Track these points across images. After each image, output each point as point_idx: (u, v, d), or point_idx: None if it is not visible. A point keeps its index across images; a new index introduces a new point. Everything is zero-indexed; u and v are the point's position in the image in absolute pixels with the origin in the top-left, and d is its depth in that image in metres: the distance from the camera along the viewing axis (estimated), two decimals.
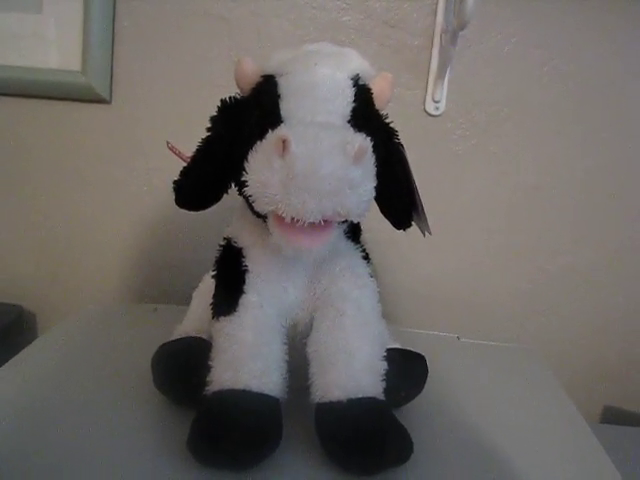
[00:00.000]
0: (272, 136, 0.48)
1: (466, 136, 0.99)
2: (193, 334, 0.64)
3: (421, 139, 0.99)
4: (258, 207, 0.49)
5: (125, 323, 0.86)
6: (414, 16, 0.95)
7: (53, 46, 0.95)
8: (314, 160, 0.45)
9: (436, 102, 0.97)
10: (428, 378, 0.64)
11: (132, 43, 0.98)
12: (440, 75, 0.95)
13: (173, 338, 0.65)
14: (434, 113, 0.98)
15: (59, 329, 0.81)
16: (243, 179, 0.50)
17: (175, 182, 0.57)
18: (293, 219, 0.47)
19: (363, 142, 0.47)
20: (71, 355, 0.72)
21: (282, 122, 0.50)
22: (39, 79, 0.96)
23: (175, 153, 0.62)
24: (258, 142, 0.49)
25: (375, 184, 0.50)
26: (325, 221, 0.48)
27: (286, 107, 0.51)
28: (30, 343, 0.74)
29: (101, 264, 1.06)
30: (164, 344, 0.63)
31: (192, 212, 0.58)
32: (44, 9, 0.94)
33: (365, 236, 0.61)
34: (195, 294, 0.71)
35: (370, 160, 0.50)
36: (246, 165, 0.50)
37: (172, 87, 0.99)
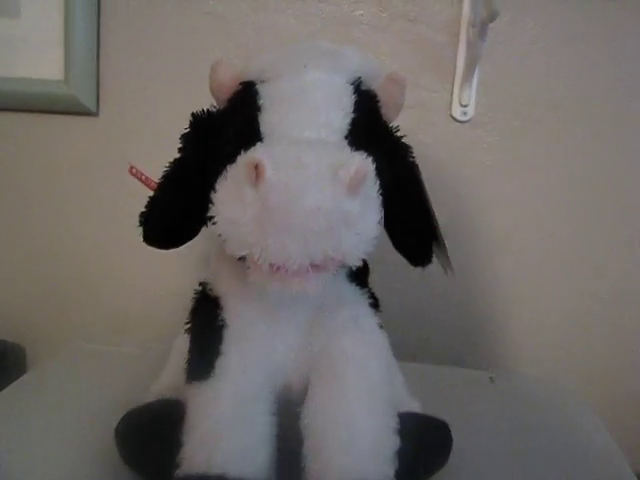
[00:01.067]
0: (243, 159, 0.39)
1: (498, 144, 0.91)
2: (169, 395, 0.54)
3: (447, 148, 0.91)
4: (229, 250, 0.41)
5: (114, 362, 0.80)
6: (437, 7, 0.88)
7: (32, 53, 0.89)
8: (296, 190, 0.37)
9: (464, 106, 0.89)
10: (454, 439, 0.54)
11: (120, 48, 0.92)
12: (468, 75, 0.87)
13: (147, 400, 0.55)
14: (461, 119, 0.90)
15: (40, 370, 0.78)
16: (210, 214, 0.41)
17: (141, 214, 0.50)
18: (272, 266, 0.39)
19: (361, 165, 0.38)
20: (47, 402, 0.67)
21: (261, 139, 0.43)
22: (16, 90, 0.90)
23: (140, 180, 0.52)
24: (229, 166, 0.41)
25: (379, 218, 0.42)
26: (315, 265, 0.39)
27: (268, 120, 0.44)
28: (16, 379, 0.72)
29: (92, 292, 0.99)
30: (131, 411, 0.53)
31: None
32: (22, 12, 0.89)
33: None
34: (176, 342, 0.60)
35: (372, 187, 0.41)
36: (213, 196, 0.41)
37: (166, 96, 0.92)
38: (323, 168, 0.38)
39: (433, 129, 0.89)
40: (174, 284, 0.96)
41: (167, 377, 0.58)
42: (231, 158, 0.41)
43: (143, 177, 0.53)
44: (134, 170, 0.53)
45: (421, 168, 0.51)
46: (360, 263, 0.41)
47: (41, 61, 0.89)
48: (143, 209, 0.50)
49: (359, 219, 0.39)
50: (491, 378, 0.83)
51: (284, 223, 0.37)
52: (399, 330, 0.91)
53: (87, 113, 0.92)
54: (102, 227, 0.97)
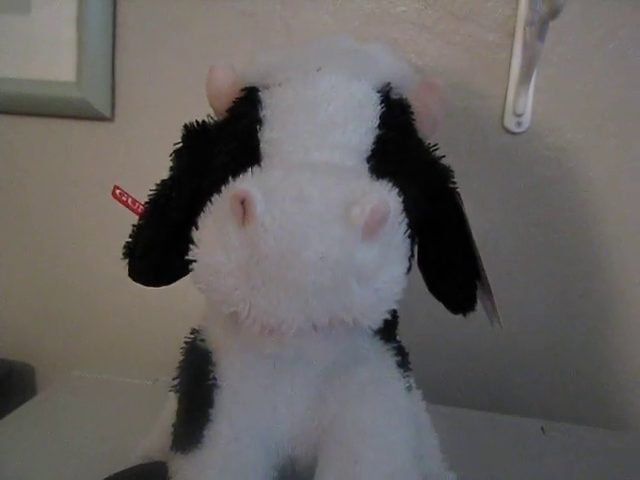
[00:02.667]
0: (228, 190, 0.33)
1: (558, 159, 0.82)
2: (158, 456, 0.48)
3: (499, 164, 0.83)
4: (212, 304, 0.34)
5: (116, 396, 0.76)
6: (489, 4, 0.80)
7: (42, 52, 0.85)
8: (294, 233, 0.31)
9: (518, 116, 0.82)
10: None
11: (138, 48, 0.88)
12: (524, 80, 0.80)
13: (132, 462, 0.49)
14: (516, 130, 0.83)
15: (47, 397, 0.75)
16: (188, 257, 0.34)
17: (126, 245, 0.43)
18: (265, 327, 0.32)
19: (380, 201, 0.30)
20: (51, 431, 0.65)
21: (260, 161, 0.35)
22: (25, 92, 0.87)
23: (126, 204, 0.44)
24: (215, 197, 0.34)
25: (405, 268, 0.34)
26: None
27: (269, 137, 0.37)
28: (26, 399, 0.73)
29: (105, 310, 0.96)
30: (111, 477, 0.47)
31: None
32: (32, 9, 0.85)
33: None
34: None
35: (396, 229, 0.33)
36: (193, 235, 0.34)
37: (186, 101, 0.82)
38: (332, 204, 0.30)
39: (482, 142, 0.82)
40: (188, 310, 0.89)
41: (158, 435, 0.51)
42: (220, 185, 0.34)
43: (129, 200, 0.45)
44: (118, 192, 0.45)
45: (465, 190, 0.43)
46: (378, 325, 0.33)
47: (51, 61, 0.85)
48: (128, 238, 0.43)
49: (377, 271, 0.32)
50: (542, 428, 0.74)
51: (278, 276, 0.30)
52: (440, 366, 0.83)
53: (101, 118, 0.88)
54: (116, 244, 0.91)
